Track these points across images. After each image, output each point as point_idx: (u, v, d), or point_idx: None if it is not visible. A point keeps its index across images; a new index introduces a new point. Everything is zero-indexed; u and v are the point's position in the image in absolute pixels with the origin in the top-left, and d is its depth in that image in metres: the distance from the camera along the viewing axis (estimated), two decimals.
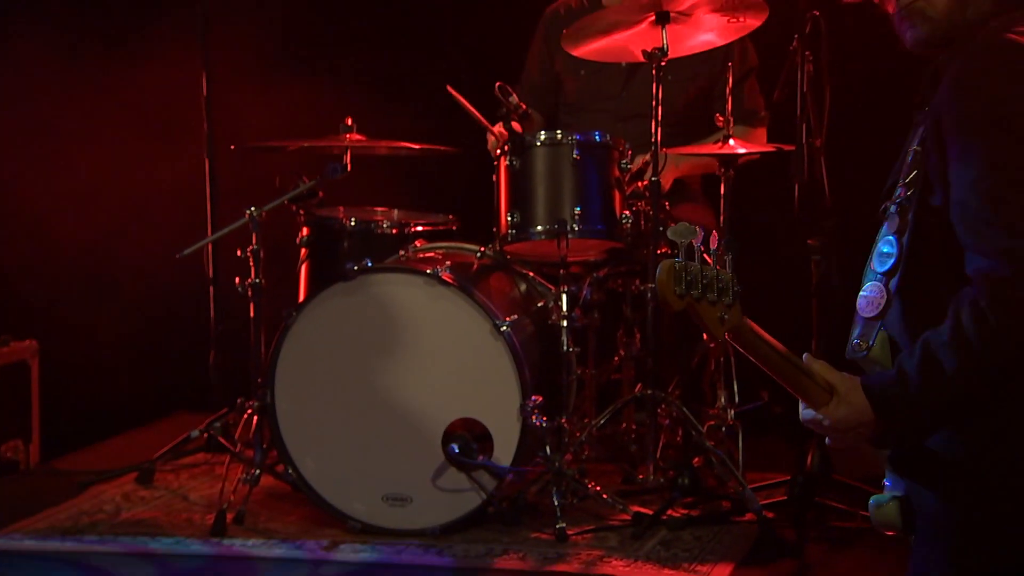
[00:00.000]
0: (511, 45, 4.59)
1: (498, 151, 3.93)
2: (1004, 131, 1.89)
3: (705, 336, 4.05)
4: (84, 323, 5.14)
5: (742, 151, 3.91)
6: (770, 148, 4.01)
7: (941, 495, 2.00)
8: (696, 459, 3.88)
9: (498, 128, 3.99)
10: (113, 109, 5.15)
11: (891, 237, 2.02)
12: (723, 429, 3.94)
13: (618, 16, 3.87)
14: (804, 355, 2.01)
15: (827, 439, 2.06)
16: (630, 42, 3.88)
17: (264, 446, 3.87)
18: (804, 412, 2.03)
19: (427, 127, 4.59)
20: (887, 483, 2.09)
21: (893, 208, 2.03)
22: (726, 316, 1.89)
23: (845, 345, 2.12)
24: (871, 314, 2.03)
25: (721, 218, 4.01)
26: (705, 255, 1.87)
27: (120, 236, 5.13)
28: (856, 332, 2.05)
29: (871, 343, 2.03)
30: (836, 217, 3.86)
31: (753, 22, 3.84)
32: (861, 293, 2.04)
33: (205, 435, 4.25)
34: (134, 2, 5.19)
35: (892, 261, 2.01)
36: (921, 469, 2.02)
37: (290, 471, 3.73)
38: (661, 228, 3.84)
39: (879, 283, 2.02)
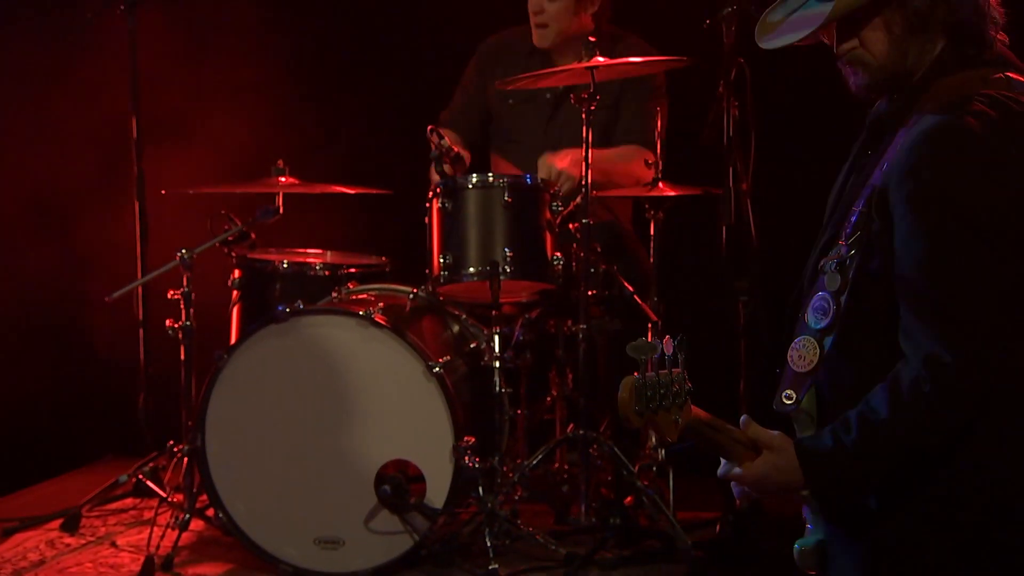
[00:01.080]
0: (442, 88, 4.62)
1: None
2: (957, 218, 1.91)
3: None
4: (9, 366, 5.04)
5: (665, 189, 3.99)
6: (698, 191, 4.07)
7: (852, 543, 2.03)
8: (628, 499, 3.90)
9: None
10: (41, 151, 5.10)
11: (828, 294, 2.03)
12: (654, 468, 3.96)
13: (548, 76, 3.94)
14: (743, 417, 2.03)
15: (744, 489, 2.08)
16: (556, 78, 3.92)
17: (194, 490, 3.82)
18: (722, 469, 2.04)
19: (359, 169, 4.60)
20: (809, 525, 2.12)
21: (833, 265, 2.03)
22: (679, 419, 1.92)
23: (772, 384, 2.15)
24: (803, 369, 2.04)
25: (651, 259, 4.05)
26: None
27: (49, 278, 5.06)
28: (785, 384, 2.06)
29: (800, 397, 2.04)
30: (762, 259, 3.92)
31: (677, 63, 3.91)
32: (792, 346, 2.06)
33: (134, 480, 4.19)
34: (62, 46, 5.14)
35: (828, 320, 2.02)
36: (838, 516, 2.05)
37: (221, 515, 3.69)
38: (592, 269, 3.88)
39: (813, 339, 2.03)
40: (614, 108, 4.31)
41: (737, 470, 2.02)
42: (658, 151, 4.04)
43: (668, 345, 1.88)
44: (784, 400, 2.05)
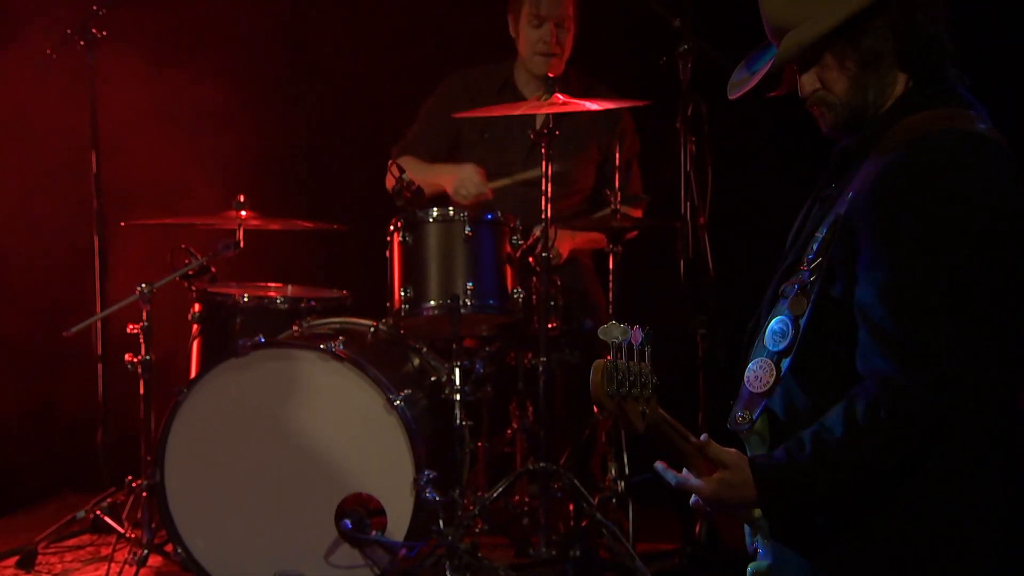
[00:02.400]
0: (402, 123, 4.63)
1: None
2: (918, 246, 1.95)
3: (596, 409, 4.08)
4: None
5: (629, 220, 4.02)
6: (658, 223, 4.11)
7: (802, 564, 2.05)
8: (587, 531, 3.89)
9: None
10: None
11: (787, 317, 2.06)
12: (614, 500, 3.96)
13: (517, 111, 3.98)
14: (703, 436, 2.05)
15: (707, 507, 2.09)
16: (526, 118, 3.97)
17: (153, 525, 3.78)
18: (678, 478, 2.05)
19: (320, 203, 4.60)
20: (760, 549, 2.13)
21: (794, 289, 2.06)
22: (646, 410, 1.94)
23: (728, 415, 2.17)
24: (759, 390, 2.06)
25: (610, 293, 4.08)
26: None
27: (5, 312, 5.01)
28: (740, 405, 2.08)
29: (755, 417, 2.07)
30: (720, 292, 3.95)
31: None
32: (749, 367, 2.08)
33: (91, 516, 4.14)
34: (22, 81, 5.11)
35: (787, 342, 2.04)
36: (788, 536, 2.07)
37: (179, 550, 3.65)
38: (552, 303, 3.89)
39: (770, 360, 2.06)
40: (599, 152, 4.35)
41: (695, 481, 2.03)
42: (616, 184, 4.07)
43: (636, 335, 1.90)
44: (738, 419, 2.07)
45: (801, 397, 2.07)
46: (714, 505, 2.04)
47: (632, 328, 1.89)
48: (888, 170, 2.00)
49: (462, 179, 4.18)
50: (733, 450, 2.04)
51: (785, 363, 2.04)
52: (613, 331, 1.90)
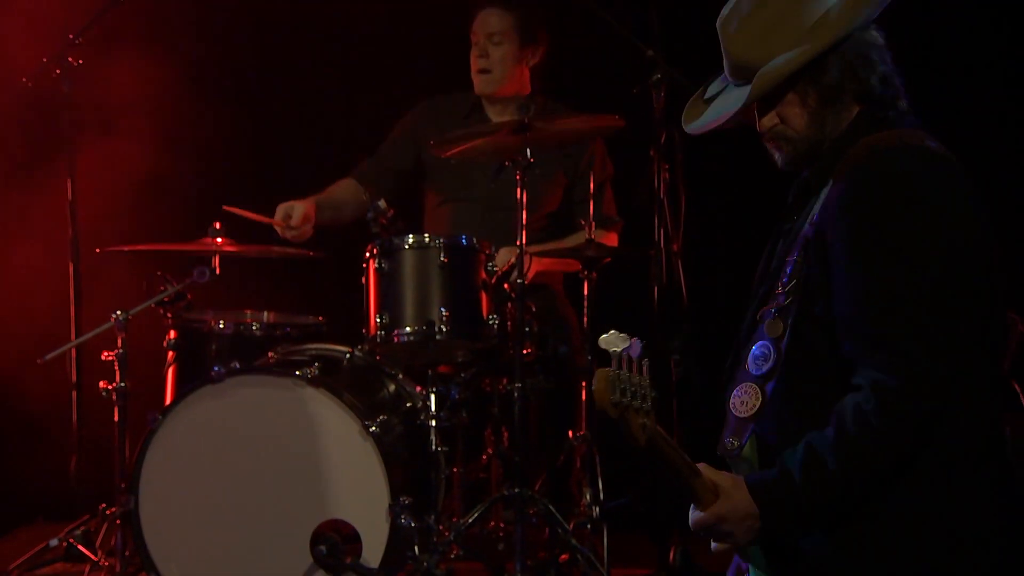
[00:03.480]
0: (372, 145, 4.65)
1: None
2: (888, 249, 1.98)
3: (571, 434, 4.10)
4: None
5: (604, 249, 4.03)
6: (632, 250, 4.13)
7: None
8: (563, 556, 3.88)
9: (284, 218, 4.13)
10: None
11: (768, 342, 2.08)
12: (589, 526, 3.95)
13: (484, 131, 3.98)
14: (700, 464, 2.05)
15: (712, 543, 2.08)
16: (494, 143, 3.97)
17: (127, 553, 3.74)
18: (692, 515, 2.05)
19: None
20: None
21: (771, 313, 2.09)
22: (647, 423, 1.92)
23: (705, 442, 2.17)
24: (745, 415, 2.07)
25: (585, 319, 4.08)
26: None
27: None
28: (728, 431, 2.09)
29: (743, 442, 2.07)
30: (693, 318, 3.96)
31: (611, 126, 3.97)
32: (734, 393, 2.09)
33: (64, 544, 4.09)
34: None
35: (769, 365, 2.06)
36: (792, 566, 2.07)
37: None
38: (527, 329, 3.89)
39: (754, 385, 2.07)
40: (567, 178, 4.37)
41: (699, 514, 2.03)
42: (591, 213, 4.09)
43: (636, 347, 1.89)
44: (727, 446, 2.08)
45: (789, 418, 2.08)
46: (720, 532, 2.03)
47: (632, 339, 1.89)
48: (853, 184, 2.04)
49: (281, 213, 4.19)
50: (729, 473, 2.05)
51: (769, 386, 2.06)
52: (614, 340, 1.88)
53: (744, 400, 2.08)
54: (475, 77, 4.38)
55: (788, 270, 2.09)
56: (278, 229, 4.20)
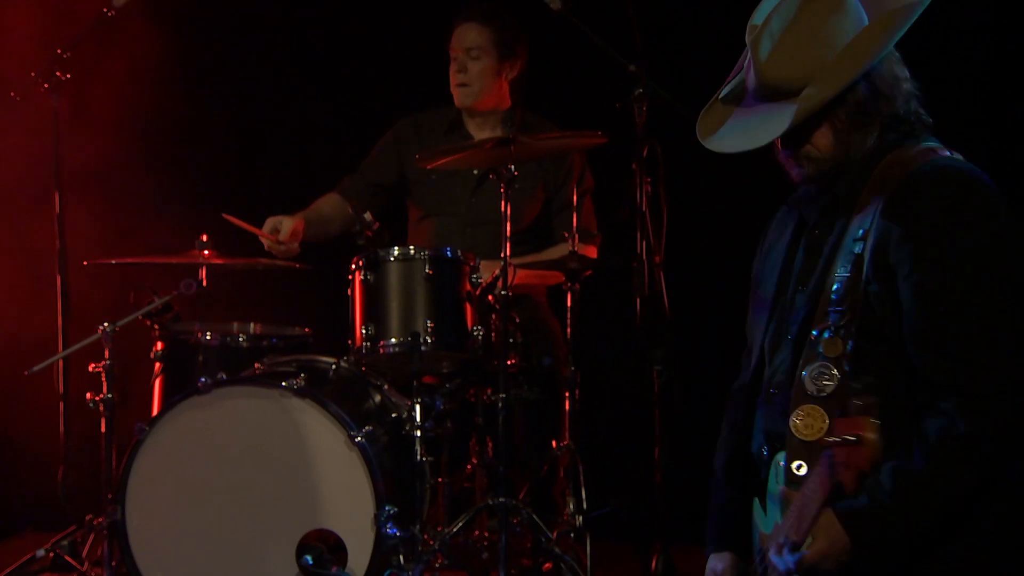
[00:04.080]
0: (357, 160, 4.65)
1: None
2: (968, 265, 2.00)
3: (554, 444, 4.10)
4: None
5: (587, 261, 4.05)
6: (614, 262, 4.14)
7: None
8: (546, 565, 3.88)
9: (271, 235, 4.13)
10: None
11: (826, 362, 2.05)
12: (572, 535, 3.95)
13: (469, 145, 3.99)
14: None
15: None
16: (479, 157, 3.97)
17: (113, 563, 3.72)
18: (787, 559, 2.02)
19: None
20: None
21: (828, 332, 2.06)
22: None
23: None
24: (812, 438, 2.05)
25: (568, 330, 4.09)
26: None
27: None
28: (792, 455, 2.07)
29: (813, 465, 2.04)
30: (675, 330, 3.97)
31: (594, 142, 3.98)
32: (794, 414, 2.06)
33: (51, 554, 4.07)
34: None
35: (833, 387, 2.04)
36: None
37: None
38: (511, 340, 3.89)
39: (818, 408, 2.05)
40: (547, 192, 4.38)
41: (804, 555, 2.00)
42: (575, 225, 4.10)
43: None
44: (795, 471, 2.05)
45: None
46: (822, 564, 2.01)
47: None
48: (918, 203, 2.05)
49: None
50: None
51: (835, 409, 2.03)
52: None
53: (808, 423, 2.05)
54: (454, 91, 4.40)
55: (837, 287, 2.07)
56: (266, 242, 4.19)
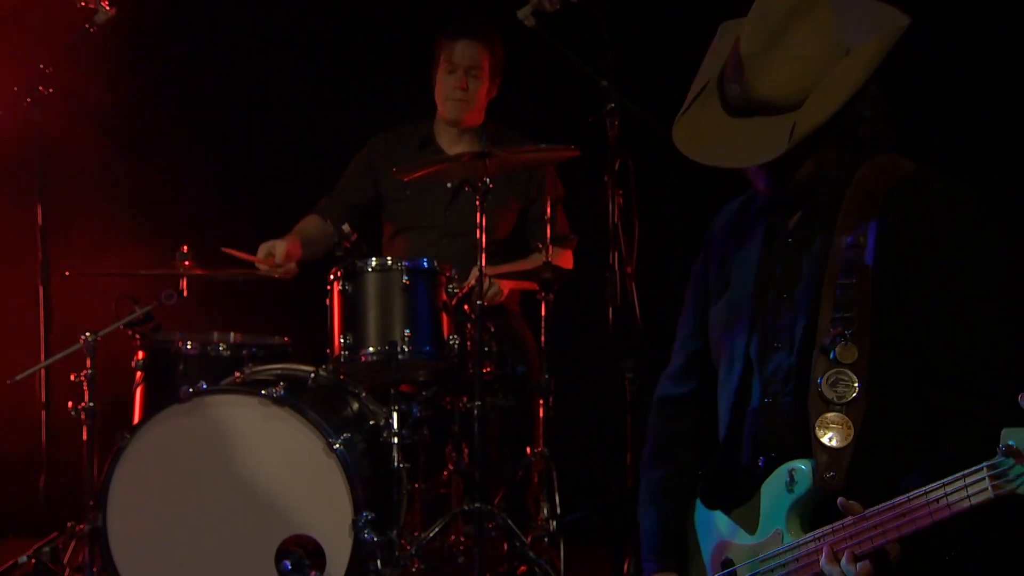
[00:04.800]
0: (333, 175, 4.65)
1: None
2: (995, 287, 2.03)
3: (529, 451, 4.11)
4: None
5: (561, 271, 4.08)
6: (587, 273, 4.15)
7: None
8: (521, 569, 3.88)
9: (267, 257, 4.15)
10: None
11: (843, 369, 2.04)
12: (546, 539, 3.96)
13: (446, 159, 4.00)
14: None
15: None
16: (453, 169, 3.99)
17: (95, 569, 3.70)
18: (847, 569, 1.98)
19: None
20: None
21: (841, 339, 2.05)
22: None
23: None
24: (840, 445, 2.03)
25: (542, 339, 4.10)
26: None
27: None
28: (825, 464, 2.04)
29: (843, 473, 2.03)
30: (647, 338, 3.98)
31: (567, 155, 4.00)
32: (817, 425, 2.04)
33: (33, 560, 4.04)
34: None
35: (854, 394, 2.03)
36: None
37: None
38: (486, 349, 3.90)
39: (843, 415, 2.03)
40: (521, 203, 4.39)
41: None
42: (548, 236, 4.11)
43: None
44: (826, 479, 2.03)
45: (882, 447, 2.06)
46: None
47: None
48: (930, 213, 2.07)
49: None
50: None
51: (858, 416, 2.03)
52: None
53: (835, 430, 2.03)
54: (447, 102, 4.41)
55: (840, 293, 2.06)
56: (263, 268, 4.18)
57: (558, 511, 4.02)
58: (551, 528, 3.97)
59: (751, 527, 2.18)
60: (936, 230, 2.05)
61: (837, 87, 2.09)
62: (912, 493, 1.88)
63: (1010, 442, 1.75)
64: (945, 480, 1.84)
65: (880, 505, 1.94)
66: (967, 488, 1.80)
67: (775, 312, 2.20)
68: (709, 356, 2.36)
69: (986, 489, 1.78)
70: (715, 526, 2.26)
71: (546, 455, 4.02)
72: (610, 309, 3.91)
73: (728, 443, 2.25)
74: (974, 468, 1.81)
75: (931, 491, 1.86)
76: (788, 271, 2.19)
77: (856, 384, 2.04)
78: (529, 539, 3.89)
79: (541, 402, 4.09)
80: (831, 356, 2.05)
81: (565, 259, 4.42)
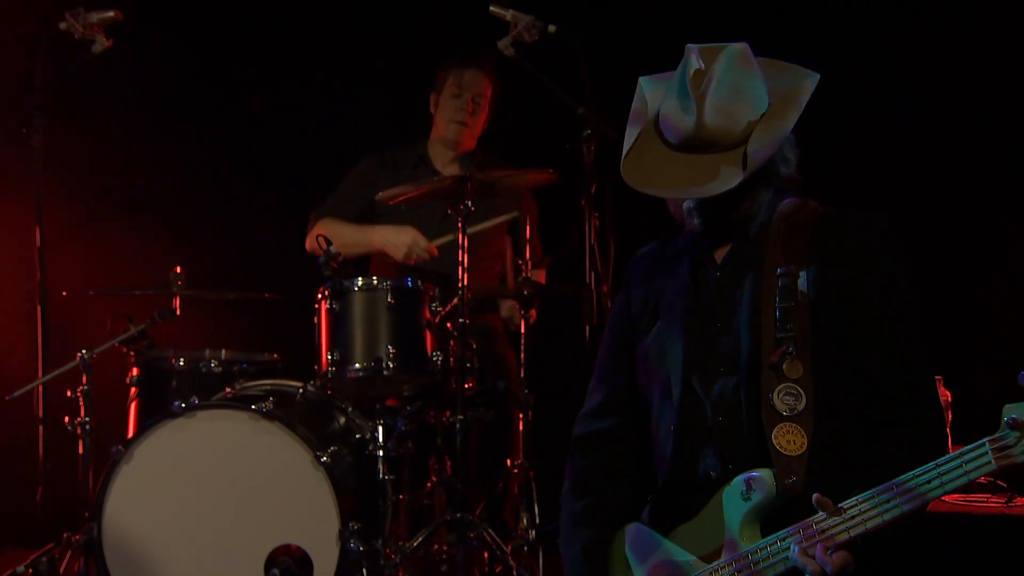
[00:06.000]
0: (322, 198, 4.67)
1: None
2: (910, 313, 2.16)
3: (509, 462, 4.12)
4: None
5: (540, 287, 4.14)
6: (565, 291, 4.18)
7: None
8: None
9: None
10: None
11: (791, 383, 2.13)
12: (525, 548, 3.97)
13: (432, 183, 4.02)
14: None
15: None
16: (438, 191, 4.00)
17: None
18: (820, 559, 2.03)
19: (251, 273, 4.58)
20: None
21: (787, 355, 2.13)
22: None
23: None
24: (796, 453, 2.11)
25: (522, 355, 4.11)
26: None
27: None
28: (784, 470, 2.10)
29: (802, 479, 2.10)
30: None
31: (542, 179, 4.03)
32: (774, 434, 2.12)
33: (30, 570, 4.02)
34: None
35: (802, 406, 2.12)
36: None
37: None
38: (468, 365, 3.92)
39: (795, 425, 2.11)
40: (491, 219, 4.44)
41: (841, 555, 2.03)
42: (527, 254, 4.14)
43: None
44: (789, 484, 2.10)
45: (832, 453, 2.14)
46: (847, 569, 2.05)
47: None
48: (854, 245, 2.19)
49: (411, 244, 4.26)
50: None
51: (809, 425, 2.11)
52: None
53: (791, 440, 2.11)
54: (450, 124, 4.46)
55: (780, 316, 2.15)
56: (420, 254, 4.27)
57: (537, 520, 4.03)
58: (530, 537, 3.98)
59: (697, 543, 2.22)
60: (863, 258, 2.17)
61: (777, 126, 2.18)
62: (900, 479, 1.97)
63: (1013, 415, 1.86)
64: (938, 461, 1.94)
65: (856, 496, 2.01)
66: (965, 464, 1.90)
67: (715, 340, 2.26)
68: (631, 392, 2.41)
69: (989, 462, 1.88)
70: (649, 550, 2.29)
71: (525, 467, 4.03)
72: (587, 326, 3.94)
73: (676, 464, 2.29)
74: (974, 444, 1.91)
75: (919, 474, 1.95)
76: (722, 302, 2.26)
77: (804, 397, 2.12)
78: (509, 548, 3.90)
79: (521, 416, 4.10)
80: (780, 373, 2.13)
81: (540, 277, 4.45)
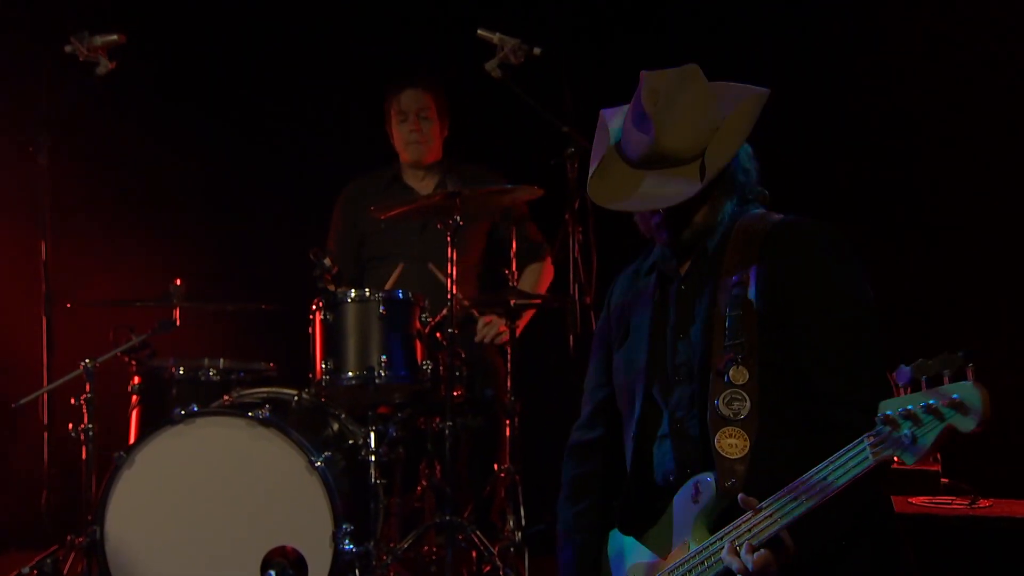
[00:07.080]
0: (322, 216, 4.68)
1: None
2: (865, 307, 2.16)
3: (496, 467, 4.13)
4: None
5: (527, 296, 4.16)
6: (550, 302, 4.20)
7: None
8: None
9: None
10: None
11: (737, 389, 2.14)
12: (512, 549, 3.98)
13: (420, 198, 4.05)
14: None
15: None
16: (428, 207, 4.03)
17: None
18: (745, 558, 2.04)
19: (248, 285, 4.59)
20: None
21: (732, 362, 2.15)
22: None
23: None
24: (737, 456, 2.12)
25: (508, 364, 4.13)
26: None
27: None
28: (723, 473, 2.12)
29: (741, 481, 2.11)
30: None
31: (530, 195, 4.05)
32: (716, 439, 2.13)
33: (35, 572, 4.02)
34: None
35: (748, 410, 2.13)
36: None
37: None
38: (457, 373, 3.94)
39: (738, 429, 2.13)
40: (477, 228, 4.46)
41: (762, 554, 2.03)
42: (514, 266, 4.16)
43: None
44: (727, 487, 2.12)
45: (775, 455, 2.14)
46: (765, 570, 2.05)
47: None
48: (803, 250, 2.20)
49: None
50: None
51: (753, 429, 2.12)
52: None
53: (733, 443, 2.12)
54: (408, 147, 4.49)
55: (729, 324, 2.16)
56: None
57: (523, 523, 4.05)
58: (516, 539, 3.99)
59: (662, 546, 2.24)
60: (807, 265, 2.18)
61: (731, 137, 2.21)
62: (803, 476, 1.99)
63: (887, 412, 1.88)
64: (832, 458, 1.97)
65: (774, 495, 2.03)
66: (849, 461, 1.93)
67: (674, 352, 2.28)
68: (614, 404, 2.44)
69: (867, 458, 1.91)
70: (627, 553, 2.32)
71: (512, 471, 4.05)
72: (571, 336, 3.96)
73: (636, 472, 2.32)
74: (856, 441, 1.94)
75: (819, 471, 1.97)
76: (682, 314, 2.29)
77: (748, 402, 2.13)
78: (496, 549, 3.92)
79: (508, 422, 4.12)
80: (725, 379, 2.15)
81: (547, 268, 4.47)
